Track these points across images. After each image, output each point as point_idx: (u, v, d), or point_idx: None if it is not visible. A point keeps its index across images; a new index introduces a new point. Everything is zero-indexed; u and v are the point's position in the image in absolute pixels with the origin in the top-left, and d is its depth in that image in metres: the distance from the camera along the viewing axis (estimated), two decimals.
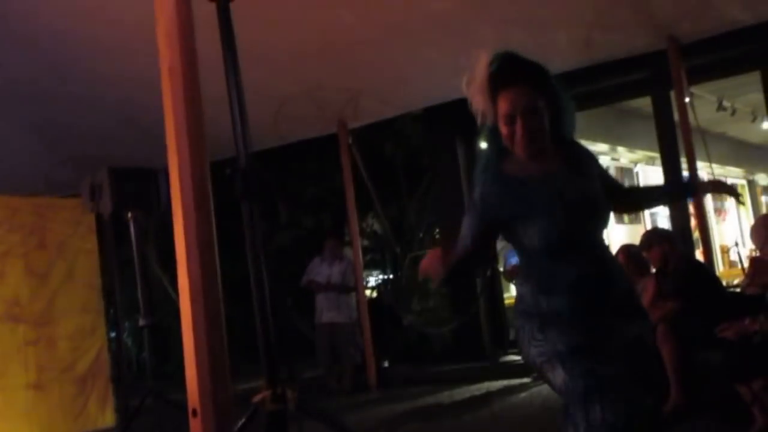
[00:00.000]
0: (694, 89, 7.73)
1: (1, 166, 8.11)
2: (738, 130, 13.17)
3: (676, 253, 6.10)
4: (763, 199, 17.07)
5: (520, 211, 2.52)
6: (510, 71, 2.51)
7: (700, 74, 7.97)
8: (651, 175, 12.83)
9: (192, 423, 2.99)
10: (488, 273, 9.59)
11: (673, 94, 7.88)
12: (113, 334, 10.10)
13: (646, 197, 3.28)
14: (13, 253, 7.87)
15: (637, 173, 13.41)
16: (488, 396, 7.39)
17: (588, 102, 8.32)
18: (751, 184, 16.91)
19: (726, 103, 10.81)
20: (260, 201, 2.97)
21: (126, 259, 7.89)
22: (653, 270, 6.11)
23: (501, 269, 9.55)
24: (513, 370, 8.29)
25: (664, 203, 3.04)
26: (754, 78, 9.22)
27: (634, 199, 3.20)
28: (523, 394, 7.25)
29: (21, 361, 7.77)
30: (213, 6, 2.99)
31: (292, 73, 6.94)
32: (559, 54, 7.00)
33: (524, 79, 2.50)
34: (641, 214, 13.14)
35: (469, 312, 9.71)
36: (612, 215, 2.90)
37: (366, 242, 13.21)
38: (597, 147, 11.59)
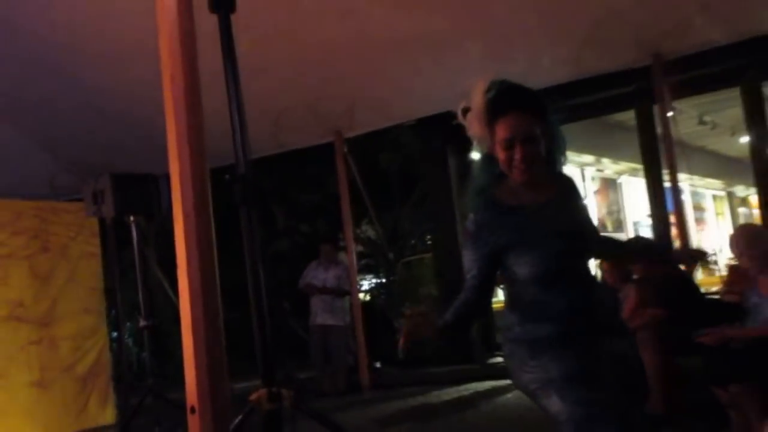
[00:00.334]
0: (676, 104, 7.75)
1: (6, 172, 8.08)
2: (718, 143, 13.23)
3: (659, 263, 6.11)
4: (741, 210, 17.14)
5: (513, 239, 2.50)
6: (509, 99, 2.49)
7: (683, 90, 7.99)
8: (634, 185, 12.85)
9: (190, 420, 2.97)
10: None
11: (656, 109, 7.90)
12: (114, 335, 10.08)
13: (619, 251, 3.23)
14: (16, 256, 7.86)
15: (620, 184, 13.45)
16: (476, 396, 7.39)
17: (575, 115, 8.33)
18: (730, 195, 16.99)
19: (707, 118, 10.86)
20: (258, 207, 2.97)
21: (127, 262, 7.89)
22: (635, 277, 6.12)
23: None
24: (500, 372, 8.25)
25: (635, 262, 2.98)
26: (734, 94, 9.26)
27: (608, 249, 3.16)
28: (509, 395, 7.24)
29: (24, 360, 7.75)
30: (214, 17, 2.98)
31: (290, 83, 6.94)
32: (547, 68, 7.02)
33: (523, 107, 2.49)
34: (624, 223, 13.19)
35: None
36: None
37: (360, 248, 13.20)
38: (583, 158, 11.64)
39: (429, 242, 13.26)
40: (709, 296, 7.43)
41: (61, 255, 8.25)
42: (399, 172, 13.90)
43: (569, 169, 2.74)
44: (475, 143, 2.60)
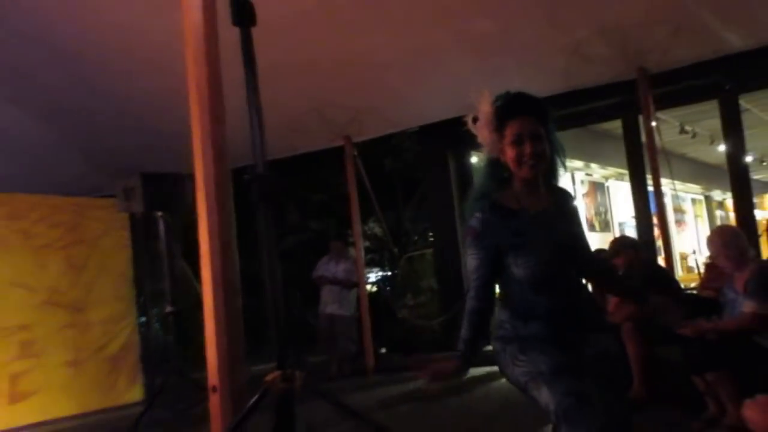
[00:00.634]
0: (659, 114, 7.74)
1: (45, 170, 8.12)
2: (697, 151, 13.19)
3: (641, 259, 6.10)
4: (718, 213, 17.09)
5: (514, 240, 2.47)
6: (517, 104, 2.50)
7: (666, 101, 7.97)
8: (620, 189, 12.83)
9: (212, 398, 2.98)
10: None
11: (641, 119, 7.87)
12: (142, 320, 10.08)
13: (600, 276, 3.00)
14: (54, 247, 7.89)
15: (608, 187, 13.42)
16: (471, 381, 7.37)
17: (566, 123, 8.31)
18: (708, 199, 16.93)
19: (687, 128, 10.81)
20: (274, 204, 2.97)
21: (155, 254, 7.89)
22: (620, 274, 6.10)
23: None
24: (494, 359, 8.27)
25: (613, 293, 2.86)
26: (713, 106, 9.23)
27: (592, 269, 2.91)
28: (502, 380, 7.23)
29: (60, 342, 7.78)
30: (236, 30, 2.98)
31: (304, 92, 6.95)
32: (541, 80, 7.02)
33: (532, 112, 2.49)
34: (611, 224, 13.16)
35: (455, 307, 9.70)
36: None
37: (367, 243, 13.21)
38: (573, 164, 11.60)
39: (430, 239, 13.25)
40: (688, 292, 7.41)
41: (94, 246, 8.27)
42: (402, 175, 13.92)
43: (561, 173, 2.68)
44: (483, 149, 2.57)
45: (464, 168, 10.63)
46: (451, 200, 10.54)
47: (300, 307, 10.58)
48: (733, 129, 8.98)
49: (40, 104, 6.81)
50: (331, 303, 9.19)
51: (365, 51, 6.38)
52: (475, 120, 2.56)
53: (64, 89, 6.47)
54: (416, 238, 14.48)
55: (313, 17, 5.69)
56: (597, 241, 11.45)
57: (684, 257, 13.78)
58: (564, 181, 2.77)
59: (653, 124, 7.26)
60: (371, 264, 14.18)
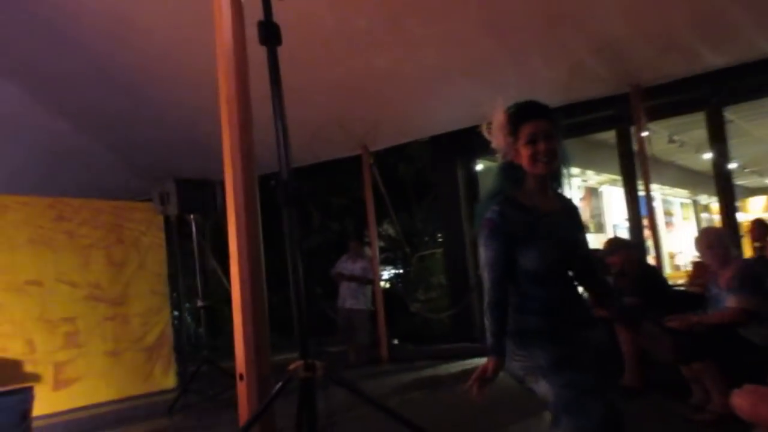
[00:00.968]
0: (650, 125, 7.70)
1: (89, 176, 8.17)
2: (685, 159, 13.10)
3: (633, 258, 6.07)
4: (704, 215, 16.98)
5: (526, 235, 2.41)
6: (530, 109, 2.49)
7: (656, 113, 7.93)
8: (614, 193, 12.76)
9: (239, 385, 2.99)
10: (479, 271, 9.57)
11: (633, 129, 7.85)
12: (176, 313, 10.12)
13: (594, 283, 2.77)
14: (96, 246, 7.92)
15: (602, 192, 13.37)
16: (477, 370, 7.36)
17: (564, 134, 8.28)
18: (695, 203, 16.83)
19: (676, 138, 10.76)
20: (298, 207, 2.97)
21: (187, 253, 7.92)
22: (614, 271, 6.08)
23: None
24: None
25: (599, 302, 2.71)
26: (700, 117, 9.18)
27: (585, 275, 2.71)
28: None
29: (101, 333, 7.81)
30: (264, 49, 2.99)
31: (325, 105, 6.97)
32: (542, 94, 6.96)
33: (543, 116, 2.48)
34: (604, 226, 13.10)
35: (463, 302, 9.70)
36: None
37: (382, 243, 13.21)
38: (570, 170, 11.55)
39: (440, 239, 13.24)
40: (677, 288, 7.37)
41: (132, 246, 8.30)
42: (415, 180, 13.90)
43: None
44: (497, 154, 2.53)
45: (471, 174, 10.62)
46: (458, 203, 10.54)
47: (321, 301, 10.57)
48: (718, 139, 8.93)
49: (86, 116, 6.86)
50: (348, 298, 9.19)
51: (381, 69, 6.40)
52: (488, 128, 2.54)
53: (108, 103, 6.52)
54: (427, 238, 14.44)
55: (334, 39, 5.71)
56: (592, 241, 11.39)
57: (672, 256, 13.69)
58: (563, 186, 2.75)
59: (644, 134, 7.24)
60: (386, 262, 14.14)
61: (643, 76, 6.97)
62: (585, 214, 12.77)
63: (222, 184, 3.14)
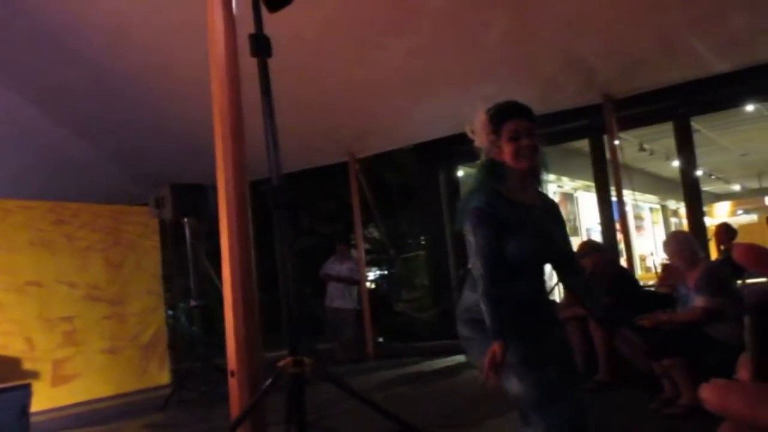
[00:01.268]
0: (622, 134, 7.75)
1: (88, 181, 8.11)
2: (654, 166, 13.21)
3: (606, 260, 6.10)
4: (672, 219, 17.10)
5: (508, 224, 2.37)
6: (514, 108, 2.47)
7: (627, 123, 7.99)
8: (587, 199, 12.82)
9: (230, 382, 2.97)
10: (460, 271, 9.60)
11: (605, 138, 7.89)
12: (171, 312, 10.07)
13: (578, 286, 2.68)
14: (94, 248, 7.88)
15: (576, 197, 13.43)
16: (460, 366, 7.36)
17: (541, 141, 8.31)
18: (664, 208, 16.96)
19: (646, 146, 10.84)
20: (288, 212, 2.96)
21: (182, 255, 7.89)
22: (587, 272, 6.10)
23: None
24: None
25: (590, 314, 2.57)
26: (668, 127, 9.27)
27: (582, 286, 2.67)
28: None
29: (98, 332, 7.77)
30: (254, 60, 2.98)
31: (314, 114, 6.96)
32: None
33: (525, 115, 2.46)
34: (579, 229, 13.16)
35: (445, 301, 9.71)
36: None
37: (368, 246, 13.21)
38: (547, 177, 11.59)
39: (423, 242, 13.26)
40: (647, 289, 7.41)
41: (129, 248, 8.26)
42: (399, 186, 13.91)
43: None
44: (481, 153, 2.50)
45: (452, 180, 10.65)
46: (440, 208, 10.57)
47: (310, 300, 10.55)
48: (685, 147, 9.02)
49: (86, 124, 6.81)
50: (336, 298, 9.18)
51: (368, 77, 6.39)
52: (471, 128, 2.53)
53: (107, 112, 6.48)
54: (410, 241, 14.46)
55: (322, 51, 5.70)
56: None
57: (643, 258, 13.78)
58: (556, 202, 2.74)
59: (616, 143, 7.28)
60: (371, 264, 14.15)
61: (615, 88, 7.02)
62: None
63: (215, 189, 3.12)
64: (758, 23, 5.85)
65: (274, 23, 3.08)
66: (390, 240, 12.31)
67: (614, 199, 7.89)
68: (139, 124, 6.84)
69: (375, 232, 13.90)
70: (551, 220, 2.56)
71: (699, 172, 9.75)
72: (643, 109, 8.29)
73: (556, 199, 12.73)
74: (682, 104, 8.59)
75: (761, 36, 6.13)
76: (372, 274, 14.28)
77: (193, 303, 7.08)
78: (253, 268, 3.07)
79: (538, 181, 2.57)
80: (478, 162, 2.55)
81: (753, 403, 0.37)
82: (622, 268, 7.19)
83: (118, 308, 8.01)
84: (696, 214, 9.06)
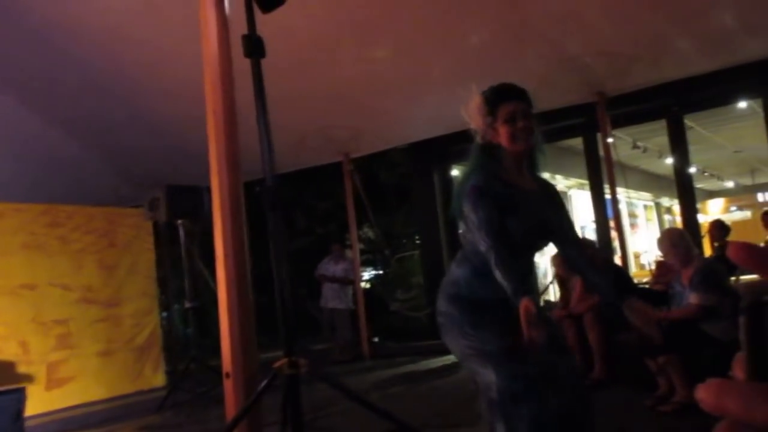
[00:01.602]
0: (615, 132, 7.76)
1: (82, 184, 8.08)
2: (648, 164, 13.24)
3: (600, 258, 6.11)
4: (666, 217, 17.15)
5: (504, 204, 2.34)
6: (510, 90, 2.47)
7: (621, 121, 8.01)
8: (581, 197, 12.85)
9: (226, 383, 2.96)
10: None
11: (599, 136, 7.90)
12: (165, 314, 10.04)
13: (593, 270, 2.60)
14: (88, 251, 7.86)
15: (570, 196, 13.44)
16: (455, 365, 7.37)
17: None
18: (658, 205, 17.00)
19: (639, 144, 10.86)
20: (282, 212, 2.96)
21: (176, 256, 7.87)
22: None
23: None
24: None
25: (599, 289, 2.45)
26: (661, 125, 9.29)
27: (584, 260, 2.57)
28: None
29: (93, 335, 7.74)
30: (248, 61, 2.98)
31: (309, 114, 6.95)
32: None
33: (521, 98, 2.46)
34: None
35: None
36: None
37: (362, 246, 13.22)
38: (543, 159, 11.61)
39: (417, 241, 13.26)
40: (641, 286, 7.43)
41: (123, 250, 8.24)
42: (394, 186, 13.91)
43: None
44: (476, 137, 2.48)
45: (447, 180, 10.65)
46: (435, 207, 10.57)
47: (305, 301, 10.54)
48: (679, 145, 9.04)
49: (80, 126, 6.79)
50: (331, 298, 9.19)
51: (362, 77, 6.39)
52: (468, 108, 2.48)
53: (100, 113, 6.47)
54: (405, 240, 14.47)
55: (316, 51, 5.70)
56: None
57: (637, 256, 13.81)
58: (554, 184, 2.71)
59: (610, 140, 7.29)
60: (366, 264, 14.16)
61: (608, 86, 7.03)
62: None
63: (209, 190, 3.12)
64: (750, 20, 5.87)
65: (267, 22, 3.08)
66: (385, 240, 12.31)
67: (608, 197, 7.90)
68: (133, 125, 6.82)
69: (370, 232, 13.91)
70: (548, 204, 2.52)
71: (692, 170, 9.78)
72: (636, 106, 8.31)
73: None
74: (676, 102, 8.61)
75: (753, 33, 6.15)
76: (367, 274, 14.29)
77: (187, 305, 7.08)
78: (248, 269, 3.07)
79: (534, 165, 2.54)
80: (474, 145, 2.52)
81: (748, 402, 0.37)
82: (616, 266, 7.20)
83: (113, 310, 7.99)
84: (690, 211, 9.09)
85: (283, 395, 2.82)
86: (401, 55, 6.01)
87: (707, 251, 8.28)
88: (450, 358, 7.79)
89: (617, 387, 5.25)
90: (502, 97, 2.44)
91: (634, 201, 15.45)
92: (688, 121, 9.50)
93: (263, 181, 2.92)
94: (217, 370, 3.25)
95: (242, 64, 3.04)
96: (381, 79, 6.50)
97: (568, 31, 5.87)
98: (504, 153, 2.44)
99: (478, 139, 2.50)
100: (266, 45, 2.99)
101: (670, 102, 8.56)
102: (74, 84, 5.86)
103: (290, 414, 2.80)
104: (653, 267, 7.31)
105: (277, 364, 2.83)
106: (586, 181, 10.13)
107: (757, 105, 9.16)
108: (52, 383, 7.25)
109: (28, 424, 5.55)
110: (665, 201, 16.97)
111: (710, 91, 8.18)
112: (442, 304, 2.50)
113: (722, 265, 4.87)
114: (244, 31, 3.00)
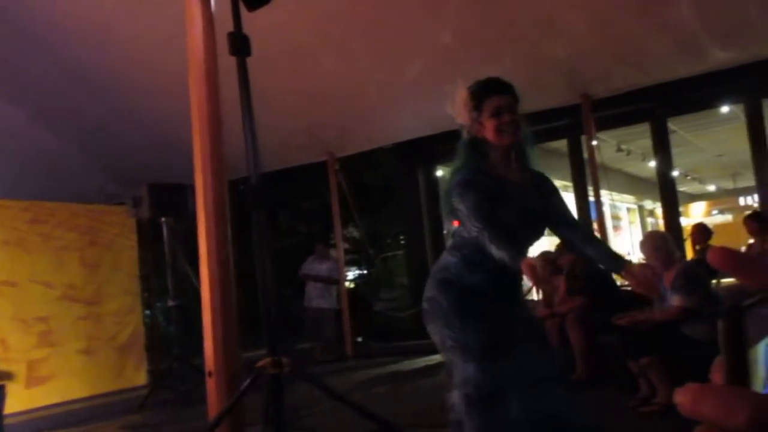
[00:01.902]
0: (599, 135, 7.80)
1: (65, 181, 8.02)
2: (632, 167, 13.33)
3: (583, 259, 6.13)
4: (649, 219, 17.27)
5: (492, 199, 2.34)
6: (496, 84, 2.47)
7: (605, 124, 8.05)
8: (565, 198, 12.87)
9: (208, 382, 2.95)
10: None
11: (583, 138, 7.94)
12: (148, 312, 9.98)
13: (588, 245, 2.57)
14: (70, 248, 7.79)
15: None
16: (440, 365, 7.38)
17: None
18: (641, 208, 17.11)
19: (623, 146, 10.93)
20: (266, 211, 2.95)
21: (159, 254, 7.83)
22: (565, 271, 6.14)
23: None
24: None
25: (598, 261, 2.44)
26: (645, 128, 9.35)
27: (579, 237, 2.59)
28: None
29: (75, 332, 7.68)
30: (233, 59, 2.97)
31: (294, 113, 6.94)
32: None
33: (507, 92, 2.46)
34: None
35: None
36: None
37: (347, 246, 13.20)
38: (532, 151, 11.66)
39: (402, 241, 13.27)
40: (624, 288, 7.47)
41: (106, 248, 8.18)
42: (379, 186, 13.92)
43: None
44: (463, 131, 2.49)
45: (432, 180, 10.67)
46: (420, 207, 10.58)
47: (289, 300, 10.52)
48: (662, 148, 9.11)
49: (63, 121, 6.74)
50: (315, 297, 9.16)
51: (348, 76, 6.39)
52: (454, 104, 2.48)
53: (84, 109, 6.42)
54: (390, 240, 14.48)
55: (302, 50, 5.69)
56: (545, 244, 11.50)
57: None
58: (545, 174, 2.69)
59: (594, 143, 7.32)
60: (351, 263, 14.15)
61: (593, 88, 7.06)
62: None
63: (193, 188, 3.10)
64: (734, 25, 5.92)
65: (252, 20, 3.06)
66: (369, 240, 12.31)
67: (592, 199, 7.94)
68: (117, 122, 6.78)
69: (354, 232, 13.89)
70: (539, 196, 2.52)
71: (675, 173, 9.86)
72: (620, 109, 8.36)
73: None
74: (659, 105, 8.68)
75: (737, 38, 6.20)
76: (351, 274, 14.27)
77: (170, 303, 7.03)
78: (232, 267, 3.06)
79: (523, 157, 2.54)
80: (461, 140, 2.52)
81: (726, 407, 0.38)
82: (598, 267, 7.23)
83: (95, 308, 7.93)
84: (672, 214, 9.16)
85: (266, 394, 2.81)
86: (386, 55, 6.02)
87: (689, 254, 8.34)
88: (434, 359, 7.80)
89: (598, 388, 5.27)
90: (488, 92, 2.44)
91: (618, 203, 15.54)
92: (672, 125, 9.57)
93: (248, 180, 2.91)
94: (200, 369, 3.24)
95: (228, 62, 3.03)
96: (367, 78, 6.50)
97: (554, 33, 5.90)
98: (491, 147, 2.45)
99: (465, 134, 2.50)
100: (252, 43, 2.98)
101: (653, 105, 8.63)
102: (58, 79, 5.82)
103: (273, 413, 2.79)
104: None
105: (260, 364, 2.82)
106: (570, 183, 10.17)
107: (739, 109, 9.25)
108: (33, 381, 7.18)
109: (7, 422, 5.49)
110: (648, 204, 17.08)
111: (693, 95, 8.26)
112: (429, 290, 2.50)
113: (704, 267, 4.91)
114: (230, 29, 2.99)
